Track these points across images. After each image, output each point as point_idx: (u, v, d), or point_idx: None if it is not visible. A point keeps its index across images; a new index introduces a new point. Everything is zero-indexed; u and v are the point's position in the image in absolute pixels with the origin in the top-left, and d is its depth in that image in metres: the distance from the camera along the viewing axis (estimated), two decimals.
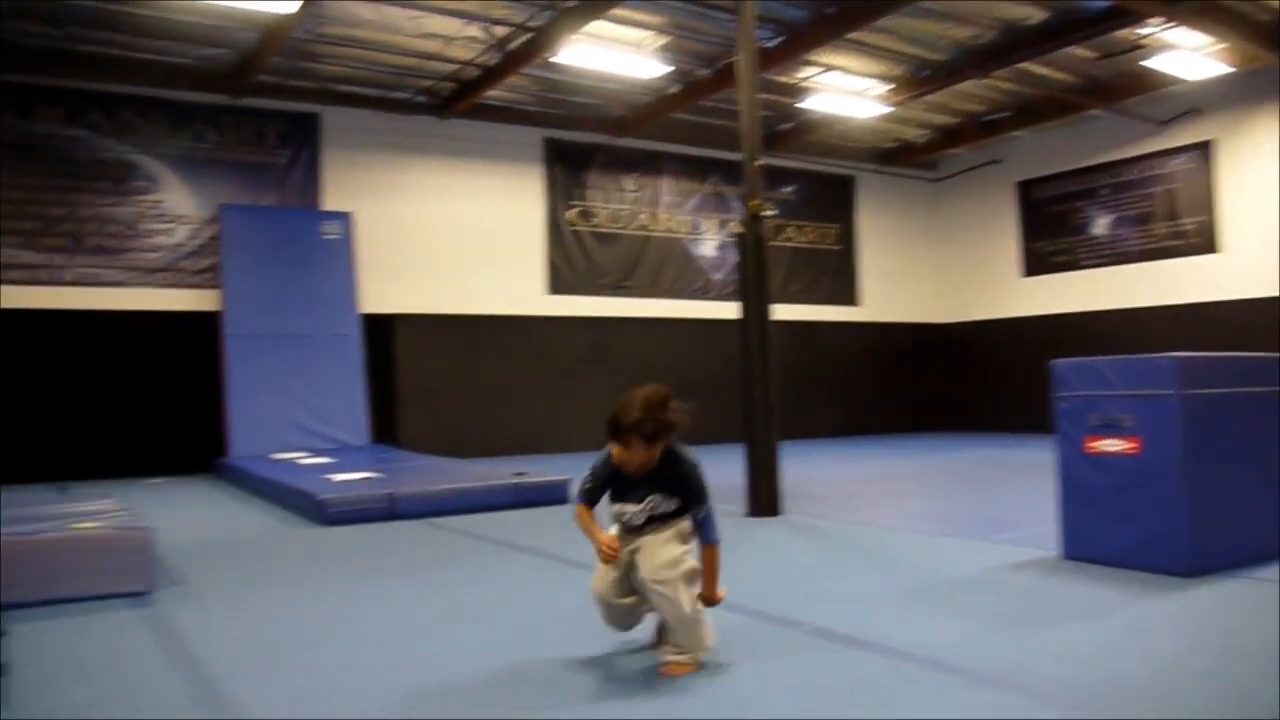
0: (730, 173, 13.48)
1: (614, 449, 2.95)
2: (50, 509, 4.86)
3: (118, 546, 4.14)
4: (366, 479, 6.97)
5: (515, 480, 6.93)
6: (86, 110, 9.77)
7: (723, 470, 8.81)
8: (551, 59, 9.90)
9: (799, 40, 9.86)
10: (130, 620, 3.79)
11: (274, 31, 9.04)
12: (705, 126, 12.81)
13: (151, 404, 9.90)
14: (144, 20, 8.93)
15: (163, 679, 2.99)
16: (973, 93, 12.14)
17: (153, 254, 10.05)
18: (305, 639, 3.44)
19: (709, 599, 3.03)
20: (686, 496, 3.00)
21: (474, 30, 9.61)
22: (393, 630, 3.52)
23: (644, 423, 2.87)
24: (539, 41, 9.63)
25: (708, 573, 3.03)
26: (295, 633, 3.53)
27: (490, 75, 10.56)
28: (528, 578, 4.48)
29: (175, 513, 6.97)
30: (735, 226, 6.47)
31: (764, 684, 2.77)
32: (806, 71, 11.08)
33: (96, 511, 4.65)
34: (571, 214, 12.55)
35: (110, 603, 4.04)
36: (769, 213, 6.35)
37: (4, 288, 9.33)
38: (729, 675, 2.85)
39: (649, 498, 2.99)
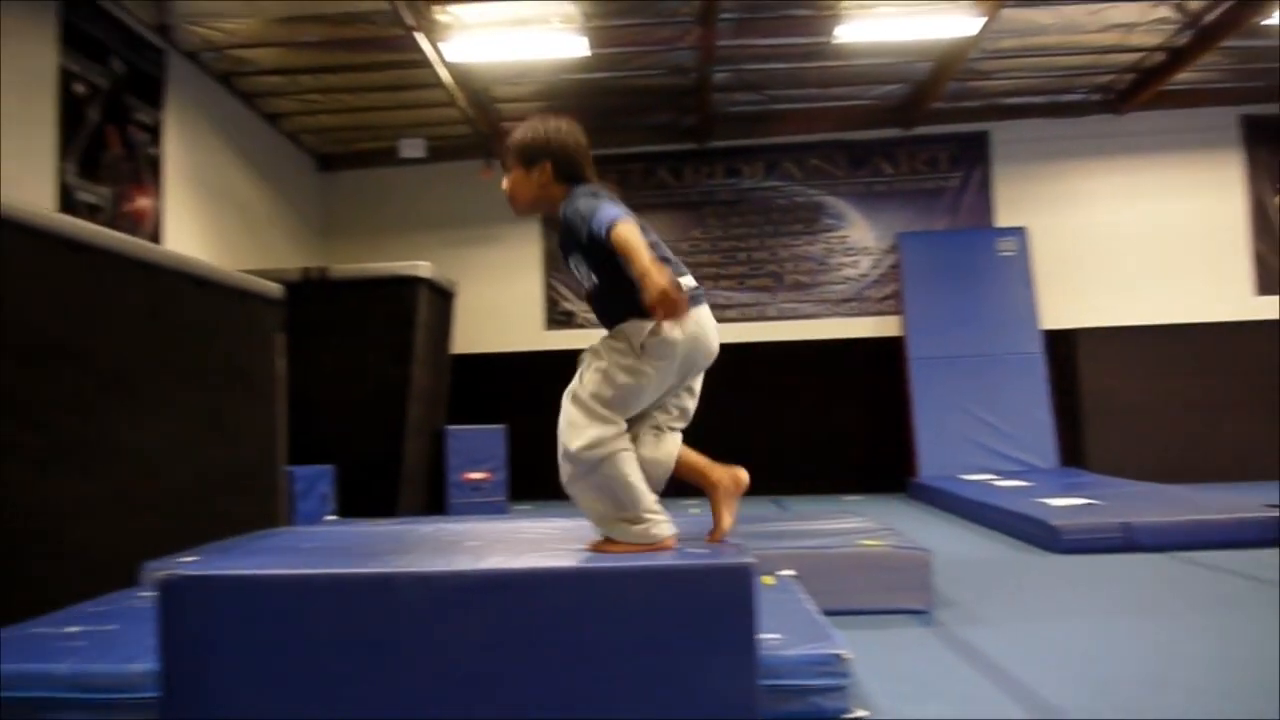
0: None
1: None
2: (819, 525, 5.32)
3: (899, 564, 4.39)
4: (1089, 505, 6.60)
5: (1270, 513, 6.02)
6: (780, 162, 10.92)
7: None
8: (1263, 22, 8.60)
9: None
10: (926, 638, 3.95)
11: (949, 57, 9.19)
12: None
13: (845, 426, 10.63)
14: (830, 72, 9.69)
15: (1009, 713, 3.01)
16: None
17: (840, 285, 10.83)
18: (1130, 677, 3.24)
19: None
20: (582, 247, 2.37)
21: (1163, 10, 8.74)
22: (1225, 684, 3.17)
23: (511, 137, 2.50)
24: (1243, 6, 8.44)
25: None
26: (1116, 670, 3.36)
27: (1178, 57, 9.54)
28: None
29: None
30: None
31: None
32: None
33: (863, 529, 4.99)
34: None
35: (895, 618, 4.27)
36: None
37: (723, 325, 10.74)
38: None
39: (573, 263, 2.51)
